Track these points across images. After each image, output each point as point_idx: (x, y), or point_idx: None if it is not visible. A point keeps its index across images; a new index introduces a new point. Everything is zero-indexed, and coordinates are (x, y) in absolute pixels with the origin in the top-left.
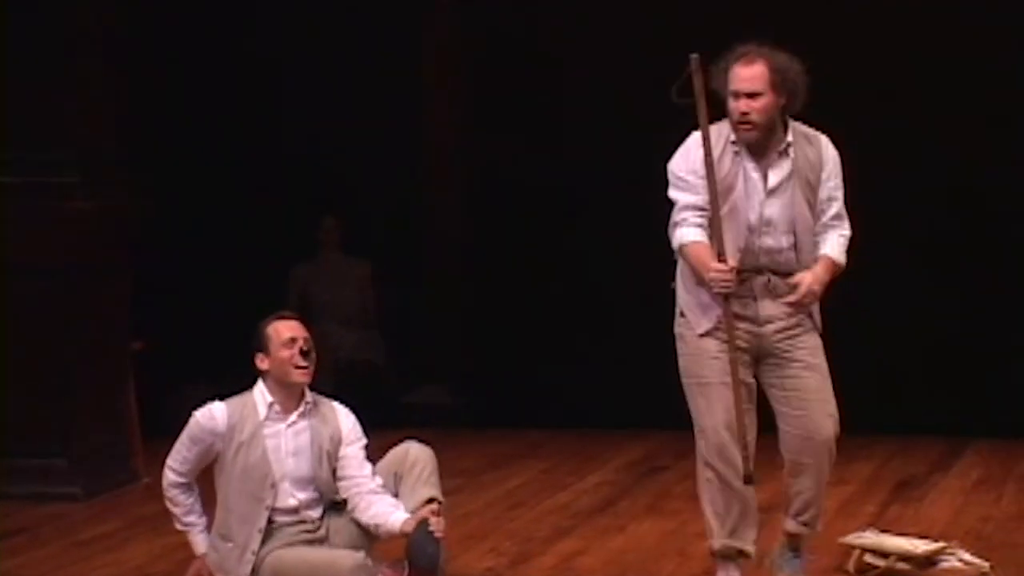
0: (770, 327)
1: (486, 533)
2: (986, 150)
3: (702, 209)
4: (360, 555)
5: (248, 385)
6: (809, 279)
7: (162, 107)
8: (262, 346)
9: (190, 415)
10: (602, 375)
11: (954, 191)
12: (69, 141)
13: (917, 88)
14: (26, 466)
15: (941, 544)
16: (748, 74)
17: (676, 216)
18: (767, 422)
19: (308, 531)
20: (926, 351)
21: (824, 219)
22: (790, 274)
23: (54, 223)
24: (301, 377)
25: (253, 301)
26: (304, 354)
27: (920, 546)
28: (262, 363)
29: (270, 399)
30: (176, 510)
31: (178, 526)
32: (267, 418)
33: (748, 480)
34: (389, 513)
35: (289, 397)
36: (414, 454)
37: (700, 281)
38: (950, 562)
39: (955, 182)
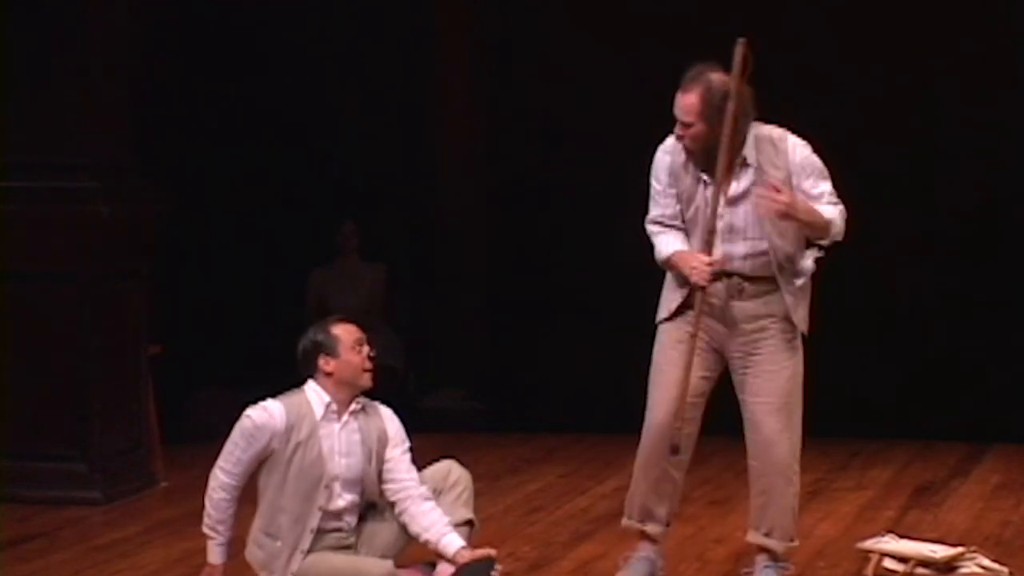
0: (736, 328)
1: (505, 538)
2: (999, 155)
3: (666, 221)
4: (388, 563)
5: (262, 392)
6: (787, 197)
7: (180, 112)
8: (329, 348)
9: (208, 419)
10: (621, 379)
11: (972, 196)
12: (87, 146)
13: (922, 90)
14: (45, 470)
15: (960, 549)
16: (682, 103)
17: (650, 227)
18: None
19: (341, 538)
20: (945, 355)
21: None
22: (764, 278)
23: (72, 228)
24: (370, 381)
25: (271, 306)
26: (371, 358)
27: (939, 551)
28: (327, 365)
29: (327, 399)
30: (214, 513)
31: (204, 529)
32: (324, 417)
33: (675, 451)
34: (443, 533)
35: (346, 399)
36: (456, 474)
37: (677, 276)
38: (969, 567)
39: (971, 187)
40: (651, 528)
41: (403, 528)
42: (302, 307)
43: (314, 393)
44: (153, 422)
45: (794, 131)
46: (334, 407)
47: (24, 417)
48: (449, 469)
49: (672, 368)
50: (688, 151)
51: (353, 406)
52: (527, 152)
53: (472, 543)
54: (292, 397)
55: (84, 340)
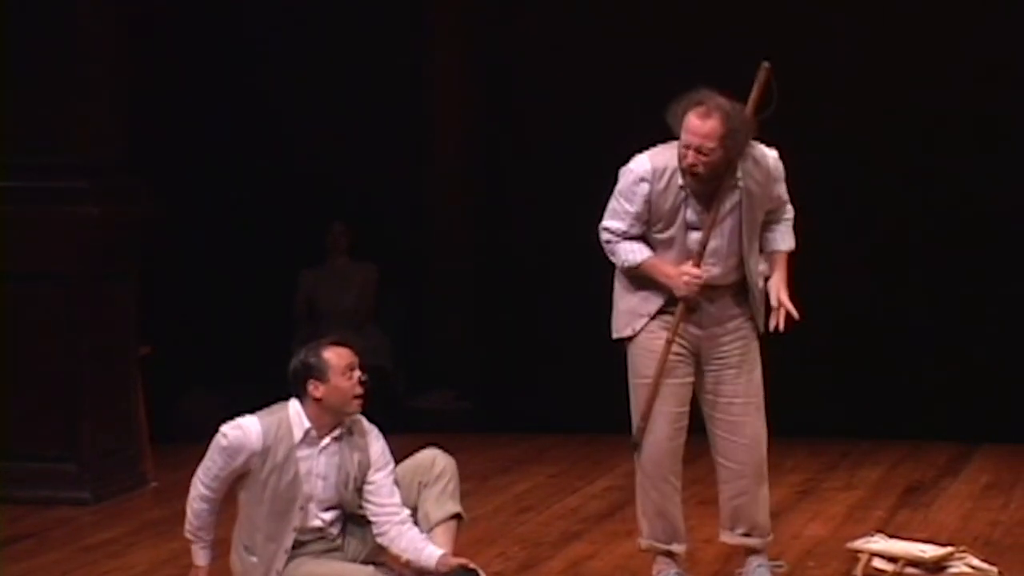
0: (711, 331)
1: (494, 538)
2: (988, 159)
3: (630, 237)
4: (370, 569)
5: (251, 392)
6: (782, 293)
7: (170, 113)
8: (319, 373)
9: (198, 420)
10: (611, 379)
11: (962, 200)
12: (77, 147)
13: (887, 90)
14: (34, 470)
15: (950, 549)
16: (702, 129)
17: (606, 235)
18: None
19: (327, 543)
20: (934, 356)
21: (773, 215)
22: (735, 283)
23: (62, 228)
24: (359, 408)
25: (261, 306)
26: (362, 383)
27: (929, 551)
28: (316, 391)
29: (307, 425)
30: (193, 520)
31: (186, 534)
32: (302, 441)
33: (636, 447)
34: (421, 549)
35: (330, 423)
36: (441, 465)
37: (641, 287)
38: (959, 567)
39: (960, 191)
40: (676, 548)
41: None
42: (292, 307)
43: (296, 415)
44: (143, 422)
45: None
46: (314, 433)
47: (14, 417)
48: (434, 459)
49: (662, 383)
50: (695, 176)
51: (337, 431)
52: (518, 151)
53: (460, 539)
54: (272, 415)
55: (75, 340)
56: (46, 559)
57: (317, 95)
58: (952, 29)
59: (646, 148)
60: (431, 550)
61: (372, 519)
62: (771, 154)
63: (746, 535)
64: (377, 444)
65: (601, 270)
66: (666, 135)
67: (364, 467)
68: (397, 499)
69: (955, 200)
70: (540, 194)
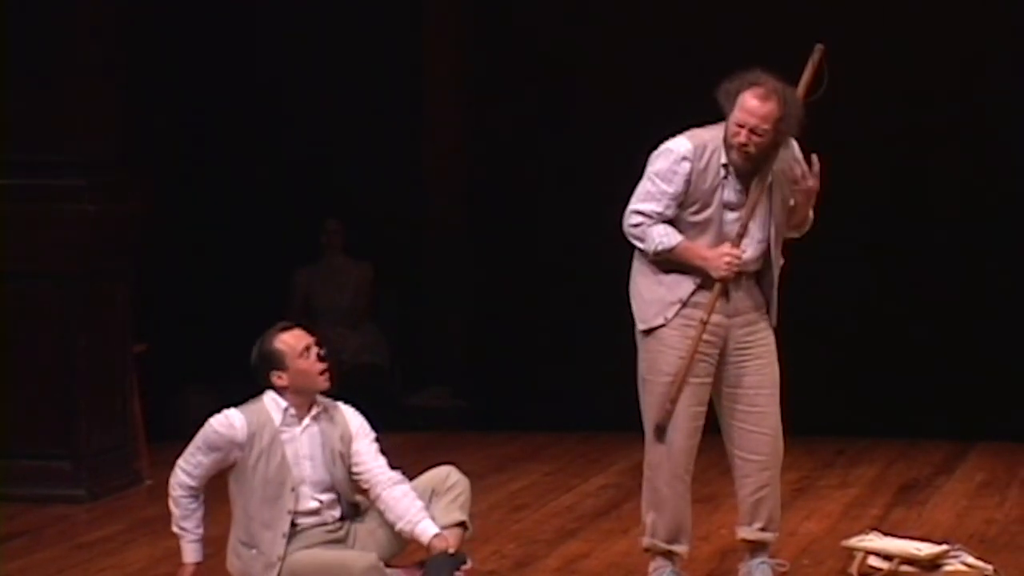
0: (738, 319)
1: (490, 535)
2: (984, 156)
3: (661, 218)
4: (372, 556)
5: (247, 391)
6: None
7: (165, 111)
8: (276, 363)
9: (193, 417)
10: (607, 377)
11: (958, 198)
12: (72, 144)
13: (891, 85)
14: (29, 468)
15: (945, 547)
16: (760, 111)
17: (638, 219)
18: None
19: (329, 531)
20: (929, 354)
21: None
22: (757, 272)
23: (57, 226)
24: (326, 382)
25: (256, 304)
26: (322, 358)
27: (924, 549)
28: (280, 380)
29: (284, 404)
30: (176, 511)
31: (174, 528)
32: (283, 423)
33: (661, 432)
34: (416, 522)
35: (305, 403)
36: (454, 478)
37: (667, 274)
38: (954, 565)
39: (953, 186)
40: (678, 548)
41: (393, 533)
42: (288, 305)
43: (272, 401)
44: (138, 420)
45: None
46: (292, 412)
47: (9, 415)
48: (448, 473)
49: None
50: (744, 154)
51: (314, 410)
52: (513, 149)
53: (463, 546)
54: (252, 406)
55: (70, 338)
56: (41, 557)
57: (313, 92)
58: (952, 22)
59: (647, 144)
60: (426, 525)
61: (364, 487)
62: (793, 140)
63: (763, 529)
64: (355, 419)
65: (599, 267)
66: (668, 125)
67: (347, 441)
68: (382, 462)
69: (954, 200)
70: (538, 191)
